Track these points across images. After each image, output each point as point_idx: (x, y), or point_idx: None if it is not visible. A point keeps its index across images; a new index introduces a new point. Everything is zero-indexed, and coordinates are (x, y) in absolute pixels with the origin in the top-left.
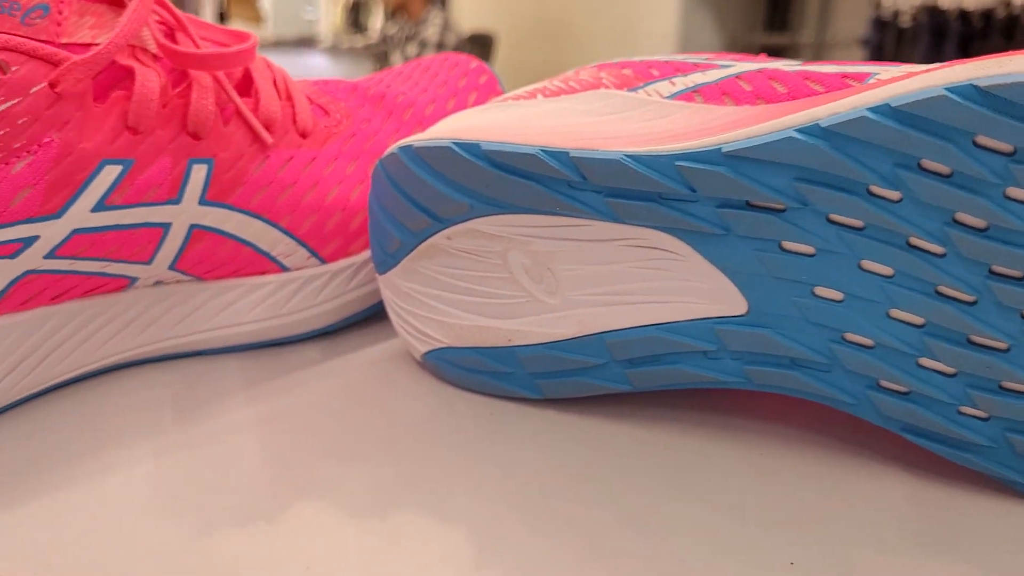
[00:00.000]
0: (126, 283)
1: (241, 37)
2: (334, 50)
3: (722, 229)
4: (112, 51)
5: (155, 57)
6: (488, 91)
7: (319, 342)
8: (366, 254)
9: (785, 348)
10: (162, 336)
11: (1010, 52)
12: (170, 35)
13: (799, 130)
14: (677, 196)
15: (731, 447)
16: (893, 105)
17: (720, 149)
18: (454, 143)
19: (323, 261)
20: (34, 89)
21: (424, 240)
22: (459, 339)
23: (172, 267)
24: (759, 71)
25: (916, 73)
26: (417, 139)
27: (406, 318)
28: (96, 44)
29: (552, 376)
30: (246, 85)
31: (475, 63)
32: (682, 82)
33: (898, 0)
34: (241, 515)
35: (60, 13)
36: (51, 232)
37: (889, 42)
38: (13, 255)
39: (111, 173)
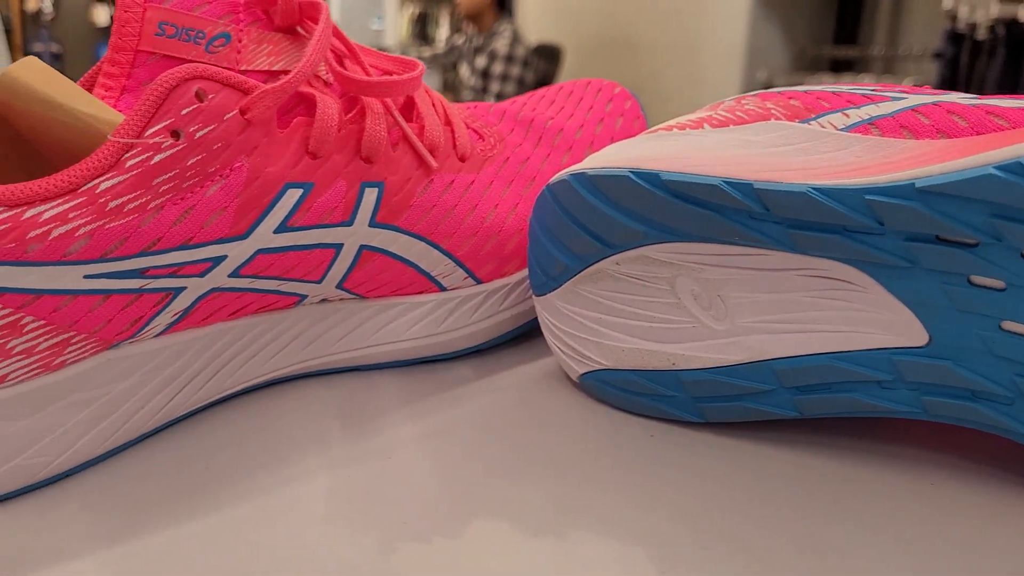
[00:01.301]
0: (296, 300)
1: (408, 64)
2: None
3: (908, 262)
4: (300, 80)
5: (326, 83)
6: (632, 116)
7: (471, 360)
8: (519, 275)
9: (967, 380)
10: (324, 352)
11: None
12: (339, 62)
13: (998, 167)
14: (864, 229)
15: (898, 475)
16: None
17: (913, 184)
18: (632, 172)
19: (479, 281)
20: (227, 116)
21: (590, 265)
22: (619, 361)
23: (339, 286)
24: (936, 104)
25: None
26: (589, 167)
27: (564, 339)
28: (273, 71)
29: (716, 400)
30: (409, 110)
31: (618, 88)
32: (856, 114)
33: (974, 12)
34: (421, 531)
35: (240, 41)
36: (237, 252)
37: (964, 56)
38: (202, 274)
39: (293, 196)
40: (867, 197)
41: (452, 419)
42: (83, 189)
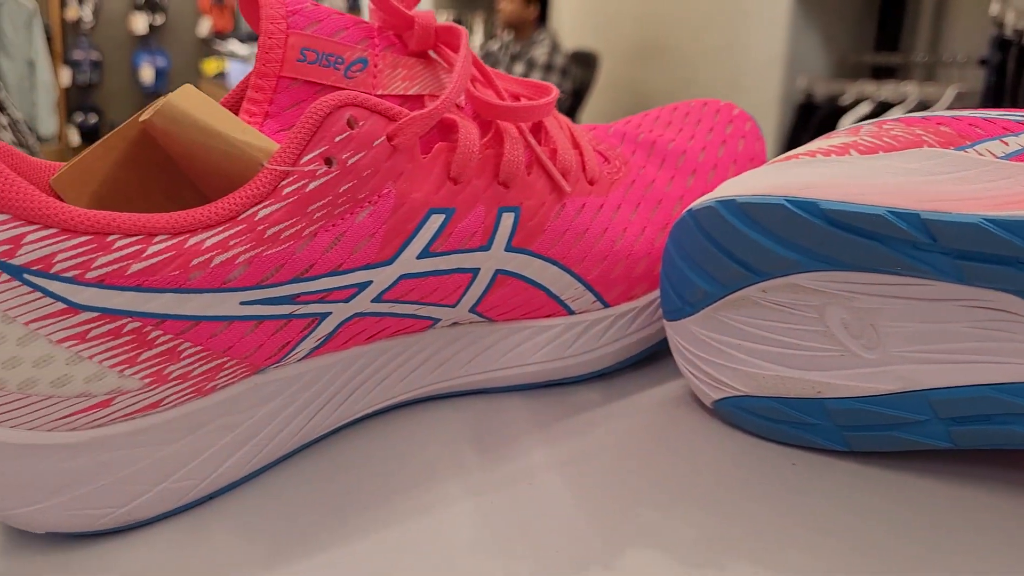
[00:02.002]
0: (429, 324)
1: (540, 88)
2: None
3: None
4: (446, 107)
5: (459, 107)
6: (753, 137)
7: (597, 383)
8: (646, 298)
9: None
10: (453, 375)
11: None
12: (473, 85)
13: None
14: None
15: None
16: None
17: None
18: (788, 200)
19: (607, 305)
20: (376, 142)
21: (734, 292)
22: (759, 388)
23: (472, 309)
24: None
25: None
26: (738, 194)
27: (698, 364)
28: (408, 96)
29: (863, 430)
30: (539, 133)
31: (737, 110)
32: (1015, 142)
33: (1021, 18)
34: (575, 559)
35: (376, 66)
36: (382, 277)
37: (1011, 63)
38: (348, 299)
39: (436, 222)
40: None
41: (588, 445)
42: (242, 216)
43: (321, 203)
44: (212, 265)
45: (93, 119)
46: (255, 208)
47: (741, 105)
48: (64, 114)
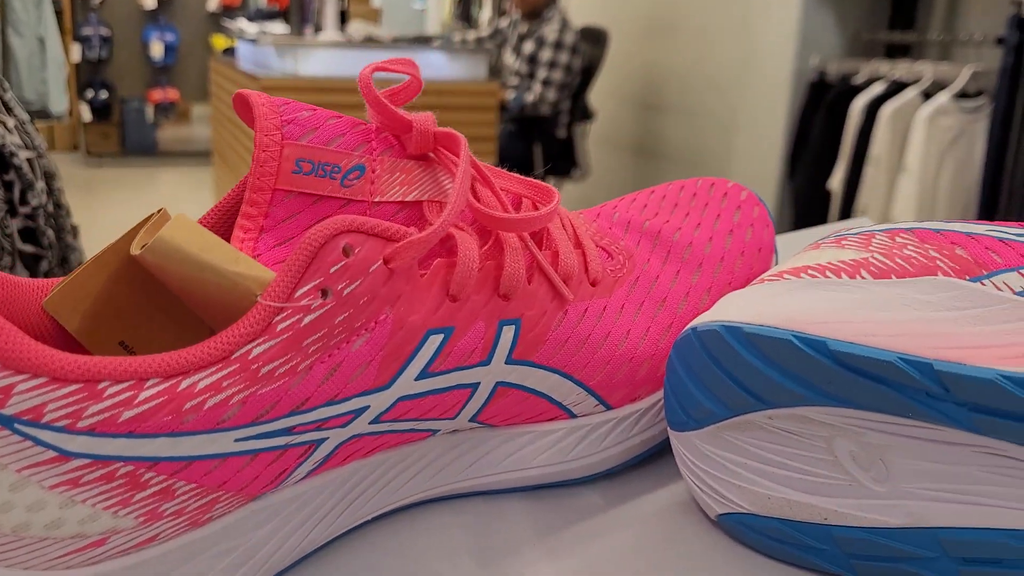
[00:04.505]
0: (429, 435)
1: (541, 190)
2: (449, 46)
3: None
4: (445, 228)
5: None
6: (762, 225)
7: (600, 484)
8: (651, 399)
9: None
10: (453, 479)
11: None
12: (471, 187)
13: None
14: None
15: None
16: None
17: None
18: (795, 337)
19: (609, 407)
20: (372, 268)
21: (739, 416)
22: (764, 509)
23: (472, 419)
24: None
25: None
26: (744, 321)
27: (703, 477)
28: (406, 202)
29: (871, 560)
30: (540, 236)
31: (745, 193)
32: None
33: None
34: None
35: (374, 172)
36: (379, 401)
37: None
38: (344, 425)
39: (434, 342)
40: None
41: (590, 558)
42: (235, 356)
43: (317, 336)
44: (206, 408)
45: (104, 95)
46: (249, 346)
47: (752, 84)
48: (75, 91)
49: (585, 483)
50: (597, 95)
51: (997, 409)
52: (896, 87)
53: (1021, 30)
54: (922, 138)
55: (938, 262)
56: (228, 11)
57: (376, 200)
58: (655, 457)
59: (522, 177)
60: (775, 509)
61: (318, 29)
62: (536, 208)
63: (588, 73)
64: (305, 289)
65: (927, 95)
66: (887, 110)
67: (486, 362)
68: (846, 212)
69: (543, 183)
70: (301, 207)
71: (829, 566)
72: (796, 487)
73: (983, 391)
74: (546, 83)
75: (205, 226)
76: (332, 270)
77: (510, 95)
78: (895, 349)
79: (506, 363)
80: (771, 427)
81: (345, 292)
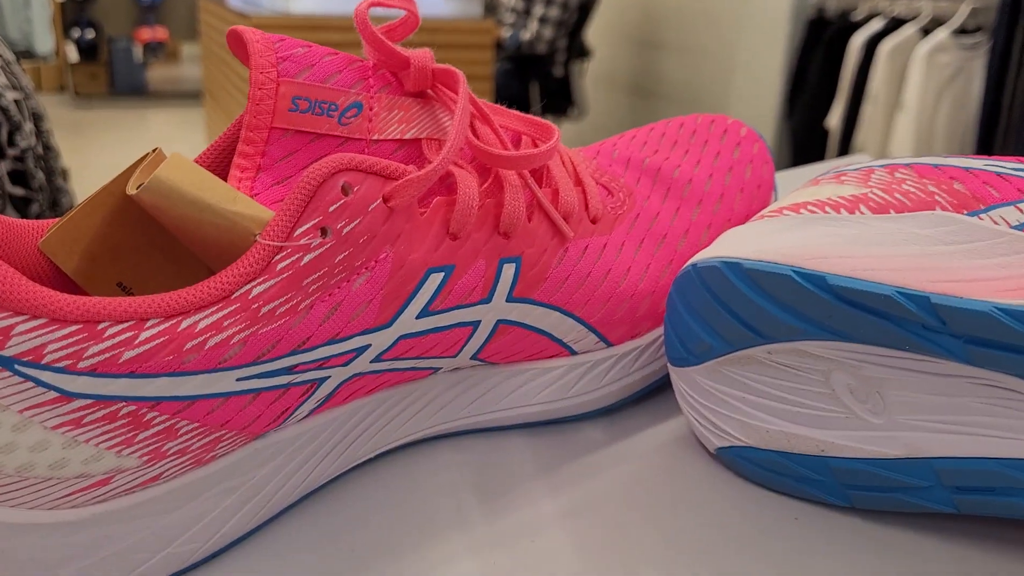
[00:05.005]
0: (430, 372)
1: (541, 127)
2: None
3: None
4: (444, 166)
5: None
6: (761, 161)
7: (601, 420)
8: (650, 336)
9: None
10: (454, 416)
11: None
12: (471, 124)
13: None
14: None
15: None
16: None
17: None
18: (795, 272)
19: (610, 344)
20: (371, 206)
21: (739, 351)
22: (763, 441)
23: (474, 357)
24: None
25: None
26: (745, 257)
27: (702, 412)
28: (404, 139)
29: (867, 490)
30: (540, 173)
31: (744, 129)
32: None
33: None
34: None
35: (371, 110)
36: (380, 340)
37: None
38: (346, 363)
39: (435, 281)
40: None
41: (591, 493)
42: (236, 295)
43: (317, 275)
44: (207, 347)
45: (91, 34)
46: (249, 286)
47: (749, 21)
48: (60, 30)
49: (586, 419)
50: (594, 33)
51: (992, 341)
52: (895, 23)
53: None
54: (920, 75)
55: (936, 197)
56: None
57: (374, 138)
58: (655, 393)
59: (521, 114)
60: (773, 442)
61: None
62: (536, 146)
63: (584, 10)
64: (304, 228)
65: (926, 31)
66: (886, 47)
67: (487, 300)
68: (844, 149)
69: (543, 120)
70: (298, 145)
71: (826, 496)
72: (794, 420)
73: (979, 323)
74: (543, 20)
75: (201, 166)
76: (331, 209)
77: (506, 33)
78: (893, 283)
79: (507, 301)
80: (770, 361)
81: (344, 231)
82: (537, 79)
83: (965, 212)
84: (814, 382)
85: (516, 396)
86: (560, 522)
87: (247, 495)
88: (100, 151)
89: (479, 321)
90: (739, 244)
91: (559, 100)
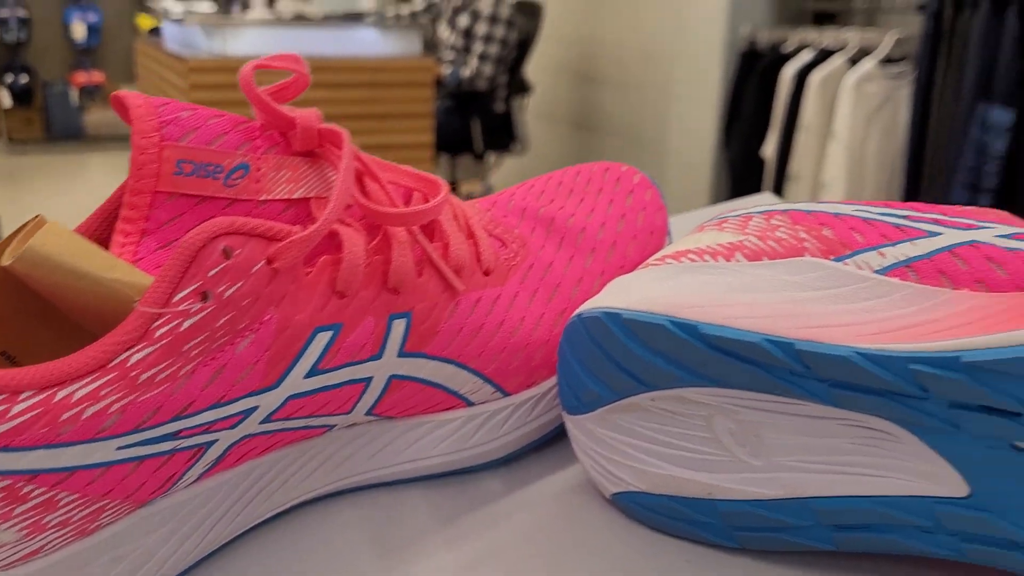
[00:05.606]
0: (325, 430)
1: (430, 183)
2: (381, 22)
3: (951, 426)
4: (328, 226)
5: (347, 207)
6: (654, 209)
7: (500, 469)
8: (547, 384)
9: (1007, 531)
10: (353, 472)
11: None
12: (359, 180)
13: None
14: (907, 394)
15: None
16: None
17: (959, 357)
18: (670, 321)
19: (507, 394)
20: (254, 269)
21: (624, 399)
22: (654, 486)
23: (368, 412)
24: (972, 246)
25: None
26: (624, 307)
27: (596, 459)
28: (293, 199)
29: (753, 531)
30: (431, 228)
31: (638, 176)
32: (892, 254)
33: None
34: None
35: (258, 170)
36: (268, 401)
37: (948, 9)
38: (233, 426)
39: (323, 340)
40: (912, 366)
41: (490, 544)
42: (113, 364)
43: (198, 340)
44: (84, 417)
45: (24, 79)
46: (127, 353)
47: (687, 52)
48: None
49: (486, 469)
50: (534, 68)
51: (854, 384)
52: (824, 54)
53: None
54: (849, 104)
55: (806, 243)
56: None
57: (262, 198)
58: (553, 441)
59: (411, 170)
60: (664, 486)
61: (246, 7)
62: (426, 201)
63: (524, 46)
64: (184, 293)
65: (853, 61)
66: (815, 78)
67: (377, 356)
68: (780, 178)
69: (431, 176)
70: (184, 208)
71: (715, 538)
72: (681, 464)
73: (840, 367)
74: (482, 57)
75: (87, 230)
76: (211, 273)
77: (446, 70)
78: (761, 330)
79: (398, 356)
80: (654, 408)
81: (226, 294)
82: (478, 115)
83: (832, 258)
84: (697, 427)
85: (414, 449)
86: (459, 574)
87: (137, 563)
88: (36, 198)
89: (371, 377)
90: (621, 294)
91: (501, 136)
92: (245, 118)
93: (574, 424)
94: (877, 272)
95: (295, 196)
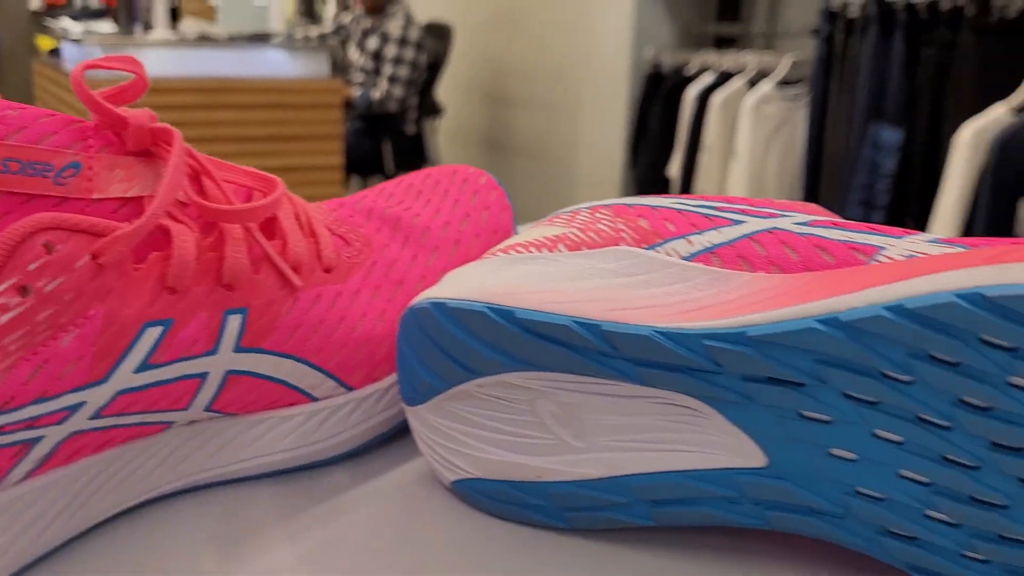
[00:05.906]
0: (164, 427)
1: (266, 181)
2: (289, 43)
3: (745, 398)
4: (156, 219)
5: (183, 205)
6: (499, 208)
7: (347, 464)
8: (390, 379)
9: (802, 498)
10: (197, 469)
11: (1012, 251)
12: (195, 179)
13: (819, 320)
14: (704, 368)
15: (747, 573)
16: (907, 307)
17: (745, 332)
18: (488, 308)
19: (350, 389)
20: (78, 264)
21: (454, 387)
22: (488, 472)
23: (207, 409)
24: (770, 233)
25: (921, 258)
26: (448, 297)
27: (435, 448)
28: (127, 198)
29: (580, 511)
30: (270, 226)
31: (484, 178)
32: (699, 241)
33: None
34: None
35: (91, 169)
36: (96, 396)
37: (839, 33)
38: (60, 422)
39: (152, 335)
40: (705, 342)
41: (330, 537)
42: None
43: (16, 335)
44: None
45: None
46: None
47: (592, 74)
48: None
49: (333, 463)
50: (444, 90)
51: (656, 362)
52: (724, 77)
53: (831, 22)
54: (749, 125)
55: (623, 233)
56: (52, 9)
57: (95, 197)
58: (401, 434)
59: (249, 169)
60: (497, 472)
61: (148, 28)
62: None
63: (434, 68)
64: (2, 288)
65: (752, 84)
66: (716, 99)
67: (212, 351)
68: None
69: (269, 175)
70: (12, 207)
71: (547, 520)
72: (513, 449)
73: (642, 346)
74: (392, 80)
75: None
76: (31, 267)
77: (356, 92)
78: (571, 314)
79: (235, 351)
80: (482, 395)
81: (47, 289)
82: (389, 137)
83: (645, 246)
84: (523, 411)
85: (259, 445)
86: (297, 566)
87: None
88: None
89: (207, 373)
90: (451, 285)
91: (412, 157)
92: (78, 118)
93: (413, 415)
94: (685, 259)
95: (129, 195)
